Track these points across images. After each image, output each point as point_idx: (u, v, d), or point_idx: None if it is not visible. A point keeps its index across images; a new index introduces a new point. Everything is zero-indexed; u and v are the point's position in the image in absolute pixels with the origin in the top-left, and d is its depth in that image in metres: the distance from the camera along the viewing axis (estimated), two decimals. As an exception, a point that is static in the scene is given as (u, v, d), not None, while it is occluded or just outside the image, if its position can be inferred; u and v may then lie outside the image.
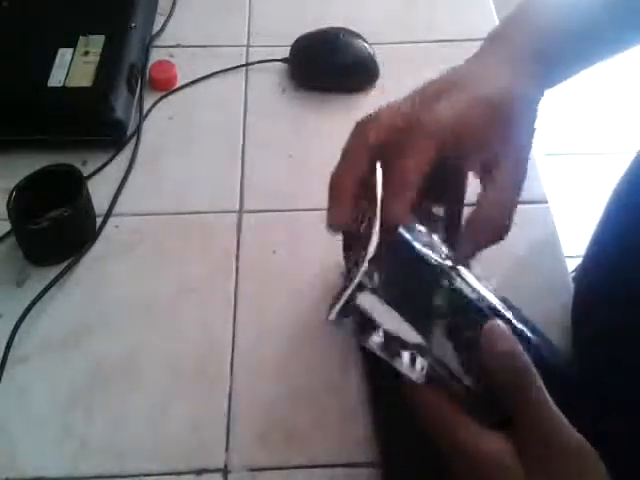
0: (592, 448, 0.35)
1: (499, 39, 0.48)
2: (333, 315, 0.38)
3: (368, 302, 0.39)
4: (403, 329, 0.38)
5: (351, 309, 0.38)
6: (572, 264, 0.64)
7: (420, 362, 0.38)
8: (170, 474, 0.51)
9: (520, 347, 0.38)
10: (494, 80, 0.43)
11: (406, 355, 0.38)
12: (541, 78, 0.46)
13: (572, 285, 0.60)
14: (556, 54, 0.47)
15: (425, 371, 0.38)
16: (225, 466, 0.51)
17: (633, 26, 0.50)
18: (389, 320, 0.38)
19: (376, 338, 0.38)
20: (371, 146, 0.42)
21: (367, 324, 0.38)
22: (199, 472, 0.51)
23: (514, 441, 0.36)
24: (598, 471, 0.35)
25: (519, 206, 0.65)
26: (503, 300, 0.45)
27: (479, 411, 0.37)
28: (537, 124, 0.44)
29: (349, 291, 0.38)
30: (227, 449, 0.52)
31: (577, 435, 0.35)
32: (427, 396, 0.38)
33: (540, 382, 0.37)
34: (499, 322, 0.39)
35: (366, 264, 0.39)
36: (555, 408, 0.36)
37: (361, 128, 0.44)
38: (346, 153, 0.44)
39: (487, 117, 0.42)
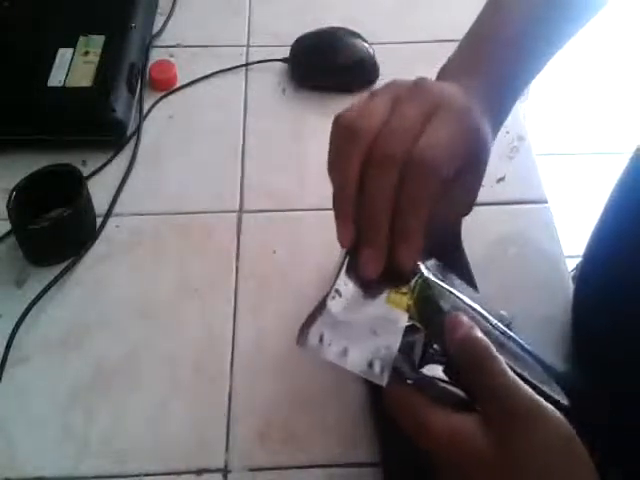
0: (556, 412, 0.35)
1: (463, 71, 0.47)
2: (305, 342, 0.40)
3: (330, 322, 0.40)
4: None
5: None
6: (572, 264, 0.64)
7: (379, 365, 0.38)
8: (170, 474, 0.51)
9: (478, 331, 0.39)
10: (473, 110, 0.43)
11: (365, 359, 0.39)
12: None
13: (572, 285, 0.60)
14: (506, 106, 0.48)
15: (387, 374, 0.38)
16: (225, 466, 0.51)
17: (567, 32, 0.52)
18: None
19: (335, 348, 0.39)
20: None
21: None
22: (199, 472, 0.51)
23: (480, 417, 0.36)
24: (565, 435, 0.35)
25: (519, 206, 0.66)
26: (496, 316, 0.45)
27: (448, 402, 0.38)
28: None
29: (316, 324, 0.40)
30: (227, 449, 0.52)
31: (540, 400, 0.36)
32: (394, 389, 0.38)
33: (498, 357, 0.37)
34: (459, 313, 0.40)
35: (330, 301, 0.41)
36: (515, 378, 0.36)
37: (350, 139, 0.41)
38: (340, 166, 0.41)
39: (470, 148, 0.41)
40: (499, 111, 0.47)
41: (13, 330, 0.56)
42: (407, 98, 0.41)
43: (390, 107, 0.41)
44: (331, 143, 0.43)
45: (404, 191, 0.39)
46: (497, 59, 0.48)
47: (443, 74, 0.48)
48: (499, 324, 0.42)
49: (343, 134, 0.41)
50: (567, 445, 0.35)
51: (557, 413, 0.35)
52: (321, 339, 0.40)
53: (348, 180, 0.40)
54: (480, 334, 0.39)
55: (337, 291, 0.41)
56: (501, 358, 0.37)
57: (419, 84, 0.42)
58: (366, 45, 0.74)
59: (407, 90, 0.41)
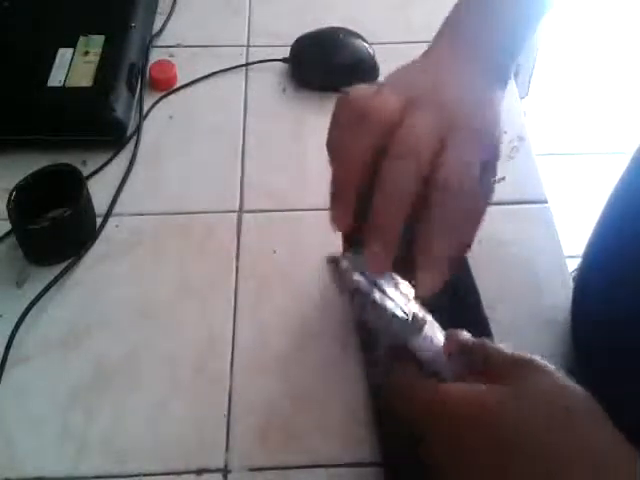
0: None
1: (462, 36, 0.46)
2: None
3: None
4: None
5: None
6: (572, 264, 0.64)
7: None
8: (170, 474, 0.51)
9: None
10: (490, 124, 0.41)
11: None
12: (507, 79, 0.46)
13: (572, 285, 0.60)
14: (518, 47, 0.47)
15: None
16: (225, 466, 0.51)
17: None
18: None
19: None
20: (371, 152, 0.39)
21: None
22: (199, 472, 0.51)
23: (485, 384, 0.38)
24: (576, 391, 0.36)
25: (519, 206, 0.66)
26: None
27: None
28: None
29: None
30: (227, 449, 0.52)
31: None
32: (397, 374, 0.40)
33: (492, 344, 0.40)
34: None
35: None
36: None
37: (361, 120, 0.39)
38: (350, 149, 0.40)
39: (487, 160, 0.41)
40: (508, 69, 0.46)
41: (13, 330, 0.56)
42: (424, 105, 0.39)
43: (405, 106, 0.39)
44: (336, 123, 0.41)
45: (436, 219, 0.38)
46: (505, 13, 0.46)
47: (452, 30, 0.47)
48: None
49: (355, 116, 0.39)
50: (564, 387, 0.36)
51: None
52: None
53: (357, 165, 0.39)
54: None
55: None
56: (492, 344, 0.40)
57: (439, 92, 0.39)
58: (366, 45, 0.74)
59: (424, 96, 0.39)
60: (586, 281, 0.59)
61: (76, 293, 0.59)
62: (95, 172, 0.67)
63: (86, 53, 0.71)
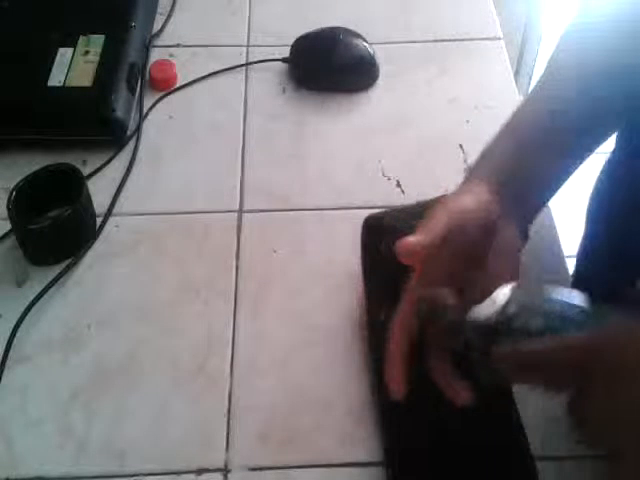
0: None
1: None
2: None
3: None
4: None
5: None
6: (572, 264, 0.64)
7: None
8: (170, 474, 0.51)
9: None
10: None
11: None
12: None
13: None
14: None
15: None
16: (225, 466, 0.51)
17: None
18: None
19: None
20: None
21: None
22: (199, 472, 0.51)
23: None
24: None
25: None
26: None
27: None
28: None
29: None
30: (227, 449, 0.52)
31: None
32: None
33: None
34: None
35: None
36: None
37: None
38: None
39: None
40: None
41: (13, 330, 0.56)
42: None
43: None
44: None
45: None
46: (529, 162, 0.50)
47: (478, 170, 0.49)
48: None
49: None
50: None
51: None
52: None
53: None
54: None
55: None
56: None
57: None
58: (366, 45, 0.74)
59: None
60: (586, 279, 0.59)
61: (76, 293, 0.59)
62: (95, 172, 0.67)
63: (86, 53, 0.71)
